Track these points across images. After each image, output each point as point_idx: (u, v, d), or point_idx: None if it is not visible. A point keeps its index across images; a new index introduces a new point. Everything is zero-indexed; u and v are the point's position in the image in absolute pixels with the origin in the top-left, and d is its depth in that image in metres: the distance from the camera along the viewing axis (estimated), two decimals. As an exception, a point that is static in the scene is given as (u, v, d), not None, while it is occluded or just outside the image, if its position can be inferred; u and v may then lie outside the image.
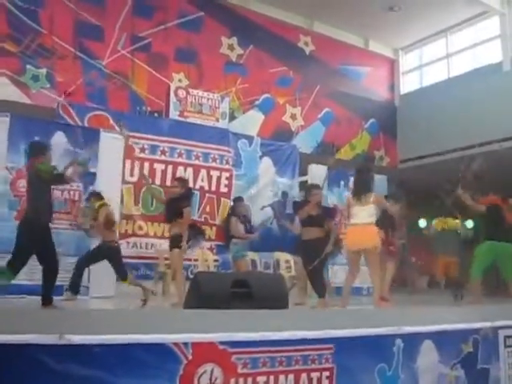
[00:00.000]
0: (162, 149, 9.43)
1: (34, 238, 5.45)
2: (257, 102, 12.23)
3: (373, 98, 14.27)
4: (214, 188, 9.87)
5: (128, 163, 8.99)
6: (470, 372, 3.30)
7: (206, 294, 3.27)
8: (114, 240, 6.99)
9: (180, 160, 9.59)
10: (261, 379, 2.44)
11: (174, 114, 9.89)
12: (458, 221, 9.20)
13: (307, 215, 6.88)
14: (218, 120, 10.31)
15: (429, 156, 13.20)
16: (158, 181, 9.24)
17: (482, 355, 3.37)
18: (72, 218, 7.95)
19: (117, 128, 8.86)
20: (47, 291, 5.57)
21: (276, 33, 12.74)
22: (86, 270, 7.16)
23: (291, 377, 2.53)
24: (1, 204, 7.41)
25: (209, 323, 2.43)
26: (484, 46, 13.25)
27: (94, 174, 8.17)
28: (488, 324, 3.43)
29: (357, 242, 6.09)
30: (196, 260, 8.80)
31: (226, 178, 10.03)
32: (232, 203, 9.26)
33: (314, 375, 2.61)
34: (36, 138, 7.49)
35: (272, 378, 2.47)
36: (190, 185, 8.35)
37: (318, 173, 10.49)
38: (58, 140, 8.10)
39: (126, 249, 8.55)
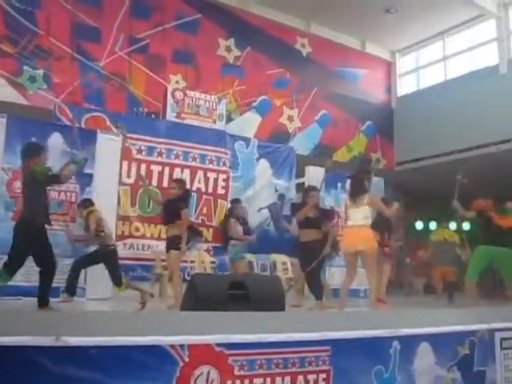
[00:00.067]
0: (159, 150, 9.43)
1: (30, 240, 5.43)
2: (254, 104, 12.24)
3: (370, 100, 14.30)
4: (210, 190, 9.86)
5: (125, 165, 8.98)
6: (467, 374, 3.31)
7: (202, 295, 3.27)
8: (111, 244, 6.97)
9: (177, 162, 9.58)
10: (257, 381, 2.44)
11: (171, 115, 9.88)
12: (455, 234, 9.27)
13: (305, 217, 6.89)
14: (215, 122, 10.31)
15: (425, 158, 13.23)
16: (154, 182, 9.24)
17: (478, 357, 3.38)
18: (68, 220, 7.93)
19: (114, 129, 8.85)
20: (44, 293, 5.55)
21: (273, 35, 12.76)
22: (83, 271, 7.13)
23: (288, 379, 2.53)
24: (-2, 205, 7.40)
25: (205, 325, 2.42)
26: (481, 49, 13.29)
27: (91, 176, 8.16)
28: (484, 326, 3.44)
29: (352, 243, 6.11)
30: (193, 262, 8.79)
31: (223, 180, 10.03)
32: (229, 205, 9.25)
33: (311, 377, 2.61)
34: (33, 139, 7.47)
35: (269, 380, 2.47)
36: (187, 186, 8.34)
37: (315, 175, 10.49)
38: (55, 141, 8.09)
39: (122, 250, 8.53)
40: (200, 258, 8.98)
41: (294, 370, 2.55)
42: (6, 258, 5.46)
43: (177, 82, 11.15)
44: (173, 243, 6.69)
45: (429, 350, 3.11)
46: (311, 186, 7.79)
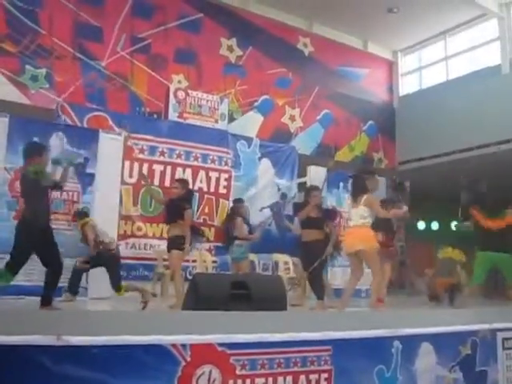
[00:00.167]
0: (161, 150, 9.44)
1: (32, 239, 5.43)
2: (256, 104, 12.23)
3: (372, 99, 14.29)
4: (212, 189, 9.87)
5: (127, 164, 8.99)
6: (469, 374, 3.30)
7: (204, 295, 3.27)
8: (113, 248, 7.00)
9: (179, 161, 9.59)
10: (259, 381, 2.44)
11: (173, 115, 9.89)
12: (462, 254, 9.36)
13: (307, 217, 6.89)
14: (217, 121, 10.32)
15: (427, 158, 13.22)
16: (156, 182, 9.25)
17: (480, 357, 3.37)
18: (70, 219, 7.94)
19: (116, 129, 8.87)
20: (48, 292, 5.56)
21: (275, 34, 12.75)
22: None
23: (289, 378, 2.53)
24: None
25: (207, 325, 2.42)
26: (483, 49, 13.26)
27: (93, 175, 8.18)
28: (486, 326, 3.44)
29: (351, 244, 6.12)
30: (194, 261, 8.79)
31: (225, 179, 10.03)
32: (232, 204, 9.21)
33: (313, 377, 2.61)
34: (35, 139, 7.49)
35: (270, 379, 2.47)
36: (189, 186, 8.34)
37: (316, 174, 10.51)
38: (57, 141, 8.11)
39: (124, 249, 8.55)
40: (202, 258, 8.99)
41: (295, 369, 2.55)
42: (8, 257, 5.47)
43: (179, 82, 11.15)
44: (175, 243, 6.69)
45: (430, 350, 3.11)
46: (313, 186, 7.80)
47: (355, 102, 13.75)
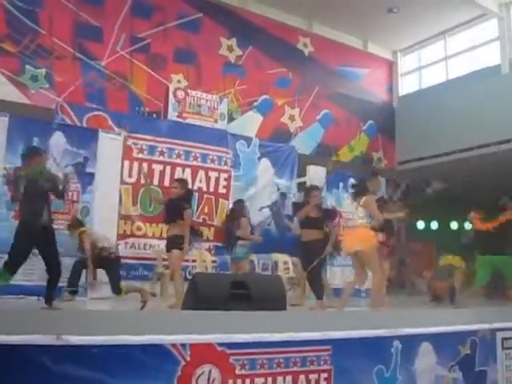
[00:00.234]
0: (160, 149, 9.43)
1: (31, 240, 5.44)
2: (255, 104, 12.23)
3: (371, 99, 14.28)
4: (212, 189, 9.86)
5: (126, 164, 8.99)
6: (468, 374, 3.31)
7: (204, 295, 3.28)
8: (112, 252, 7.02)
9: (178, 161, 9.58)
10: (259, 381, 2.44)
11: (172, 114, 9.88)
12: (463, 261, 9.45)
13: (306, 217, 6.90)
14: (216, 121, 10.31)
15: (427, 158, 13.21)
16: (156, 181, 9.24)
17: (479, 357, 3.38)
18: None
19: (115, 129, 8.87)
20: (47, 293, 5.59)
21: (275, 34, 12.75)
22: (84, 271, 7.14)
23: (289, 378, 2.53)
24: (-1, 204, 7.41)
25: (207, 324, 2.43)
26: (482, 49, 13.26)
27: (93, 175, 8.18)
28: (486, 326, 3.44)
29: (349, 244, 6.15)
30: (194, 261, 8.79)
31: (225, 179, 10.03)
32: (234, 204, 9.15)
33: (312, 377, 2.61)
34: (35, 139, 7.51)
35: (270, 379, 2.47)
36: (189, 186, 8.34)
37: (316, 174, 10.52)
38: (57, 140, 8.11)
39: (124, 249, 8.56)
40: (201, 257, 8.98)
41: (295, 369, 2.55)
42: (6, 257, 5.47)
43: (178, 82, 11.14)
44: (174, 243, 6.69)
45: (430, 350, 3.11)
46: (313, 186, 7.80)
47: (355, 101, 13.75)
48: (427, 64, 14.72)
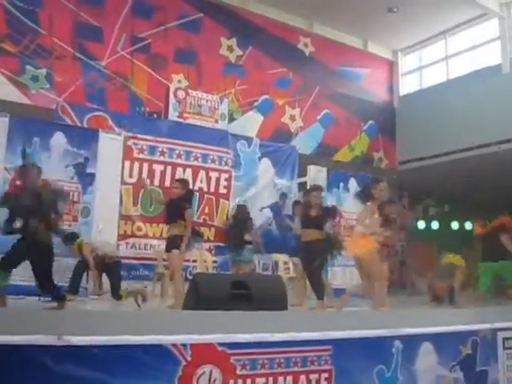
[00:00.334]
0: (161, 150, 9.43)
1: (26, 253, 5.41)
2: (256, 104, 12.22)
3: (372, 99, 14.27)
4: (212, 189, 9.86)
5: (127, 164, 9.00)
6: (469, 374, 3.30)
7: (204, 295, 3.28)
8: (115, 256, 7.05)
9: (179, 161, 9.58)
10: (260, 381, 2.44)
11: (173, 115, 9.88)
12: (463, 260, 9.50)
13: (307, 216, 6.89)
14: (217, 121, 10.31)
15: (428, 158, 13.20)
16: (156, 182, 9.24)
17: (480, 357, 3.37)
18: (71, 219, 7.94)
19: (116, 129, 8.88)
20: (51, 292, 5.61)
21: (275, 34, 12.74)
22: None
23: (290, 378, 2.53)
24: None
25: (208, 324, 2.43)
26: (483, 48, 13.25)
27: (93, 175, 8.18)
28: (487, 326, 3.44)
29: (350, 249, 6.17)
30: (194, 261, 8.79)
31: (225, 179, 10.02)
32: (241, 207, 9.10)
33: (313, 377, 2.61)
34: (35, 139, 7.51)
35: (271, 379, 2.47)
36: (190, 186, 8.34)
37: (316, 174, 10.52)
38: (58, 141, 8.11)
39: (124, 250, 8.58)
40: (202, 258, 8.98)
41: (296, 369, 2.55)
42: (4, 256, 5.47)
43: (179, 82, 11.14)
44: (174, 243, 6.68)
45: (431, 350, 3.11)
46: (315, 186, 7.78)
47: (355, 101, 13.74)
48: (428, 64, 14.71)
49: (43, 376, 1.97)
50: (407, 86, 15.01)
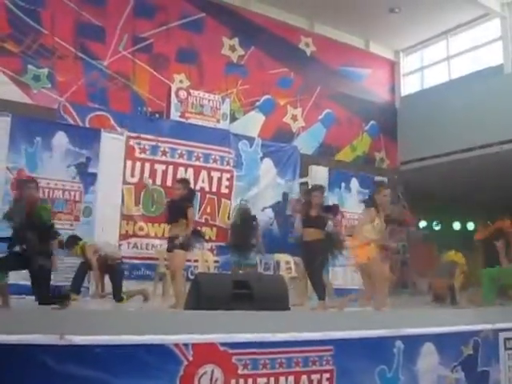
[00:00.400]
0: (162, 149, 9.43)
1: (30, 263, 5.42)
2: (257, 103, 12.22)
3: (373, 99, 14.26)
4: (214, 189, 9.86)
5: (129, 164, 9.01)
6: (470, 374, 3.30)
7: (206, 295, 3.28)
8: (118, 258, 7.06)
9: (181, 161, 9.59)
10: (261, 381, 2.44)
11: (175, 114, 9.89)
12: (464, 258, 9.51)
13: (307, 216, 6.89)
14: (218, 121, 10.31)
15: (429, 158, 13.20)
16: (158, 181, 9.25)
17: (482, 357, 3.37)
18: (73, 219, 7.95)
19: (118, 129, 8.89)
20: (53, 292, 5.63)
21: (277, 34, 12.74)
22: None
23: (291, 378, 2.53)
24: (1, 204, 7.41)
25: (209, 324, 2.43)
26: (485, 49, 13.23)
27: (95, 175, 8.19)
28: (488, 326, 3.44)
29: (354, 255, 6.18)
30: (196, 261, 8.80)
31: (227, 179, 10.03)
32: (248, 213, 9.07)
33: (315, 377, 2.61)
34: (37, 138, 7.52)
35: (272, 379, 2.47)
36: (191, 185, 8.33)
37: (318, 174, 10.52)
38: (60, 140, 8.13)
39: (126, 249, 8.58)
40: (203, 257, 8.98)
41: (297, 369, 2.55)
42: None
43: (181, 82, 11.14)
44: (176, 244, 6.66)
45: (432, 350, 3.11)
46: (316, 186, 7.78)
47: (357, 101, 13.73)
48: (429, 64, 14.69)
49: (45, 375, 1.98)
50: (409, 86, 15.00)
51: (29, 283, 6.58)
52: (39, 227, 5.36)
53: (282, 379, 2.50)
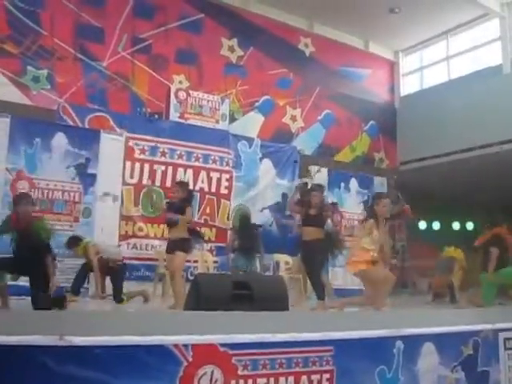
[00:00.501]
0: (162, 150, 9.44)
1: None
2: (257, 104, 12.22)
3: (373, 99, 14.26)
4: (213, 189, 9.87)
5: (128, 164, 9.01)
6: (470, 374, 3.30)
7: (206, 295, 3.28)
8: (120, 260, 7.07)
9: (180, 161, 9.59)
10: (261, 381, 2.44)
11: (174, 115, 9.90)
12: (463, 254, 9.52)
13: (307, 215, 6.89)
14: (218, 122, 10.31)
15: (429, 158, 13.20)
16: (157, 182, 9.26)
17: (482, 357, 3.37)
18: (72, 220, 7.95)
19: (117, 130, 8.89)
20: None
21: (276, 34, 12.74)
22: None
23: (291, 379, 2.53)
24: (1, 205, 7.42)
25: (209, 325, 2.43)
26: (484, 49, 13.24)
27: (95, 176, 8.20)
28: (488, 326, 3.44)
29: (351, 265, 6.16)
30: (195, 261, 8.80)
31: (226, 180, 10.03)
32: (246, 215, 9.03)
33: (315, 377, 2.61)
34: (36, 139, 7.52)
35: (272, 380, 2.47)
36: (190, 186, 8.33)
37: (317, 175, 10.54)
38: (59, 141, 8.13)
39: (125, 250, 8.58)
40: (203, 258, 8.99)
41: (297, 369, 2.55)
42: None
43: (180, 82, 11.14)
44: (176, 245, 6.67)
45: (432, 350, 3.11)
46: (315, 185, 7.79)
47: (356, 102, 13.74)
48: (429, 64, 14.69)
49: (44, 377, 1.98)
50: (408, 86, 15.00)
51: (28, 284, 6.62)
52: (35, 246, 5.37)
53: (281, 380, 2.50)
